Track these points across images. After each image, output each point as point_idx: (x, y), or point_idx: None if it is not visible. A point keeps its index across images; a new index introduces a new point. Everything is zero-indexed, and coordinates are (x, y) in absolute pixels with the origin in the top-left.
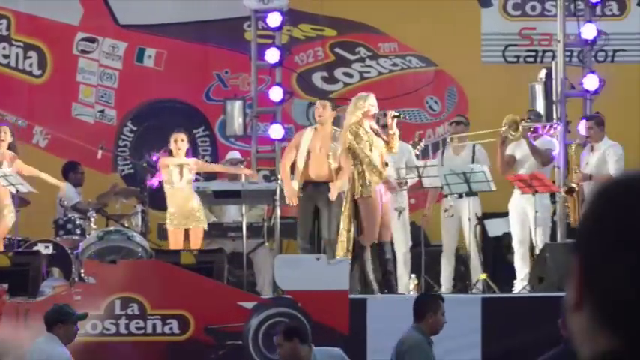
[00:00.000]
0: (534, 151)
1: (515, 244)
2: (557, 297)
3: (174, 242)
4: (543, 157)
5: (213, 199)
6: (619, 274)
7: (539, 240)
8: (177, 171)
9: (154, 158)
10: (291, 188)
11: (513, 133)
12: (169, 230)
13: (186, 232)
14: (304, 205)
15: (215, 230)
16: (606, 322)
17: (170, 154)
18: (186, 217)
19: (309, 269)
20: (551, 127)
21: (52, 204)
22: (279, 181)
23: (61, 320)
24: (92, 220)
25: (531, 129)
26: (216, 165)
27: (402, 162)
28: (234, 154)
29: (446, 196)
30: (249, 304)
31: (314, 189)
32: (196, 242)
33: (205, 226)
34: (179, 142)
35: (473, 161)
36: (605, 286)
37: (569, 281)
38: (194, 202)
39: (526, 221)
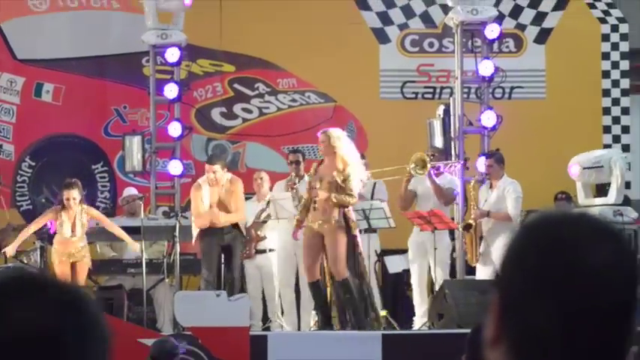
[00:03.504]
0: (438, 190)
1: (414, 280)
2: (458, 334)
3: (61, 275)
4: (447, 197)
5: (114, 235)
6: (537, 312)
7: (439, 276)
8: (70, 225)
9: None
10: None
11: (420, 172)
12: (55, 263)
13: (72, 265)
14: (208, 241)
15: (115, 266)
16: (523, 357)
17: (62, 206)
18: (70, 253)
19: (210, 306)
20: (452, 165)
21: None
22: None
23: (163, 357)
24: None
25: (434, 166)
26: (110, 224)
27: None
28: (131, 190)
29: None
30: (149, 341)
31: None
32: (82, 277)
33: (90, 263)
34: (71, 200)
35: (372, 196)
36: (523, 323)
37: (487, 316)
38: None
39: (425, 258)
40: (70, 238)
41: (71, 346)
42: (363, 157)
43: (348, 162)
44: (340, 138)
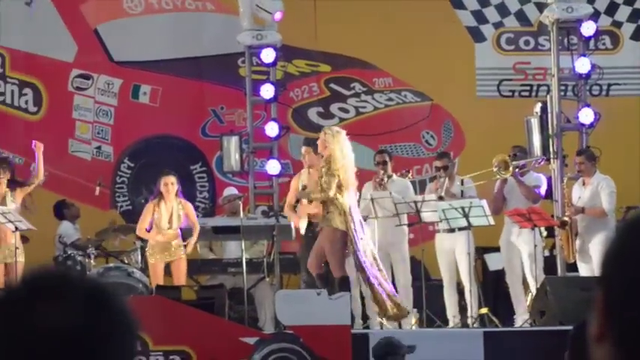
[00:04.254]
0: (525, 190)
1: (509, 278)
2: (559, 331)
3: (154, 275)
4: (534, 196)
5: (213, 235)
6: None
7: (532, 273)
8: (167, 218)
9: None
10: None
11: (504, 173)
12: (150, 263)
13: (169, 264)
14: (307, 241)
15: (216, 266)
16: (629, 354)
17: (160, 197)
18: (166, 249)
19: (311, 304)
20: (536, 162)
21: (51, 241)
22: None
23: (390, 353)
24: (91, 256)
25: (519, 166)
26: (195, 227)
27: (402, 197)
28: (232, 190)
29: (438, 231)
30: (251, 340)
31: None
32: (181, 276)
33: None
34: (169, 185)
35: (462, 195)
36: (627, 319)
37: (592, 313)
38: (177, 240)
39: (517, 256)
40: (167, 230)
41: (97, 342)
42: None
43: (336, 159)
44: (335, 136)
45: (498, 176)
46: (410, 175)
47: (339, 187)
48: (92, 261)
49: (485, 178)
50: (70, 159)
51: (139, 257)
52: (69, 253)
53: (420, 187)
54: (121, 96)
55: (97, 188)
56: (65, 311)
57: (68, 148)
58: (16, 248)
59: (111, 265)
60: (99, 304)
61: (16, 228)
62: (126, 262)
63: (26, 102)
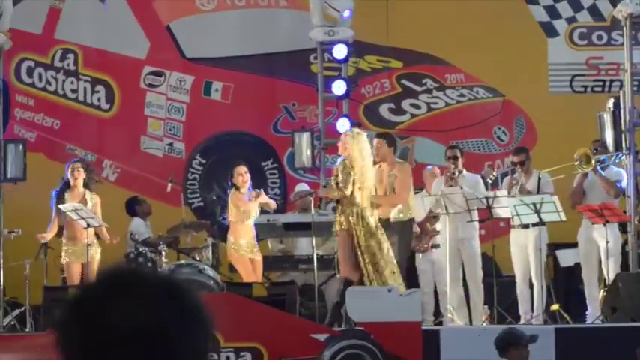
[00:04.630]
0: (606, 184)
1: (585, 274)
2: (631, 327)
3: (244, 270)
4: (616, 190)
5: (283, 232)
6: None
7: (611, 270)
8: (247, 211)
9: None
10: None
11: (585, 167)
12: (234, 258)
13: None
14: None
15: (287, 262)
16: None
17: (236, 188)
18: (249, 246)
19: (381, 301)
20: (617, 156)
21: (123, 238)
22: None
23: (512, 344)
24: (163, 253)
25: (600, 160)
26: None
27: (473, 192)
28: (303, 187)
29: (513, 227)
30: (321, 337)
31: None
32: (260, 272)
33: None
34: (243, 174)
35: (538, 191)
36: None
37: None
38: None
39: (596, 251)
40: (247, 222)
41: (172, 339)
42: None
43: (354, 160)
44: (356, 138)
45: (579, 170)
46: (493, 173)
47: (356, 186)
48: (163, 258)
49: (563, 172)
50: (142, 156)
51: (211, 254)
52: (140, 250)
53: (493, 184)
54: (193, 93)
55: (169, 185)
56: (139, 308)
57: (140, 145)
58: (88, 245)
59: (182, 262)
60: (173, 300)
61: (88, 225)
62: (197, 258)
63: (99, 99)
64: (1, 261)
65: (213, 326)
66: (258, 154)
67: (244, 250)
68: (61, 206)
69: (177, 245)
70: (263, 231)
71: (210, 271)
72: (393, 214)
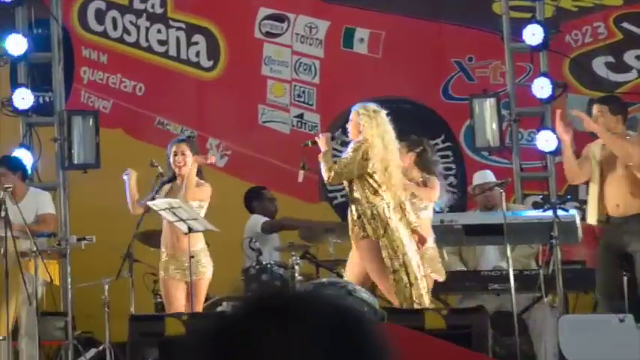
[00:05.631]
0: None
1: None
2: None
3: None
4: None
5: (465, 237)
6: None
7: None
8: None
9: None
10: None
11: None
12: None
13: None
14: (604, 246)
15: (470, 281)
16: None
17: None
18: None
19: (607, 334)
20: None
21: (236, 245)
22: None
23: None
24: (296, 267)
25: None
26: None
27: None
28: (487, 175)
29: None
30: None
31: (618, 224)
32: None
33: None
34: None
35: None
36: None
37: None
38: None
39: None
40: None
41: None
42: None
43: (374, 147)
44: (373, 117)
45: None
46: None
47: (374, 187)
48: (297, 274)
49: None
50: (260, 132)
51: None
52: (264, 263)
53: None
54: (329, 44)
55: (301, 173)
56: (302, 340)
57: (258, 118)
58: (191, 257)
59: (323, 280)
60: (343, 331)
61: (190, 229)
62: (344, 276)
63: (197, 54)
64: (69, 280)
65: None
66: (422, 128)
67: None
68: (150, 203)
69: (314, 256)
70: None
71: (364, 293)
72: None
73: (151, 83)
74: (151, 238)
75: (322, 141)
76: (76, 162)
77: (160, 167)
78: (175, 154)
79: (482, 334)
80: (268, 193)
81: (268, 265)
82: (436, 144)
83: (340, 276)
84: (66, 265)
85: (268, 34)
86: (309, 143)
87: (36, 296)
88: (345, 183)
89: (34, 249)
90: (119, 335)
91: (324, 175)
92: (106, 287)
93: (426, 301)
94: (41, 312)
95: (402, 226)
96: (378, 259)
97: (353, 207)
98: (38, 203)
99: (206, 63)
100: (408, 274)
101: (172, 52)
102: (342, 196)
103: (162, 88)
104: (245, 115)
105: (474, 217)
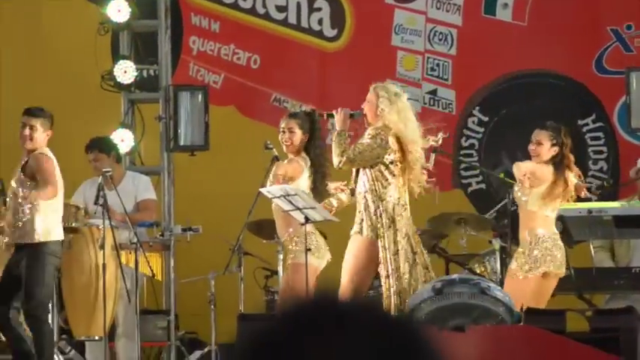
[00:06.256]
0: None
1: None
2: None
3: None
4: None
5: (615, 230)
6: None
7: None
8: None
9: None
10: None
11: None
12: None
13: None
14: None
15: (620, 278)
16: None
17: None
18: None
19: None
20: None
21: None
22: None
23: None
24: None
25: None
26: None
27: None
28: None
29: None
30: None
31: None
32: None
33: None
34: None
35: None
36: None
37: None
38: None
39: None
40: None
41: None
42: None
43: (399, 131)
44: (392, 99)
45: None
46: None
47: (388, 179)
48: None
49: None
50: None
51: (498, 264)
52: None
53: None
54: (468, 10)
55: (432, 156)
56: (337, 352)
57: None
58: (308, 250)
59: (454, 276)
60: (389, 342)
61: (307, 219)
62: (478, 272)
63: (319, 21)
64: (172, 275)
65: None
66: (572, 106)
67: None
68: (263, 190)
69: (444, 250)
70: (577, 227)
71: (499, 292)
72: None
73: (267, 55)
74: (264, 228)
75: (339, 118)
76: (182, 143)
77: (274, 150)
78: (283, 131)
79: (632, 339)
80: None
81: None
82: (586, 124)
83: (473, 272)
84: (169, 258)
85: None
86: (325, 115)
87: (136, 292)
88: (353, 170)
89: (135, 240)
90: (226, 336)
91: (335, 158)
92: (213, 283)
93: None
94: (141, 310)
95: (410, 225)
96: (363, 259)
97: (358, 199)
98: (137, 188)
99: (329, 32)
100: (399, 280)
101: (292, 19)
102: (477, 183)
103: (279, 60)
104: None
105: (627, 207)
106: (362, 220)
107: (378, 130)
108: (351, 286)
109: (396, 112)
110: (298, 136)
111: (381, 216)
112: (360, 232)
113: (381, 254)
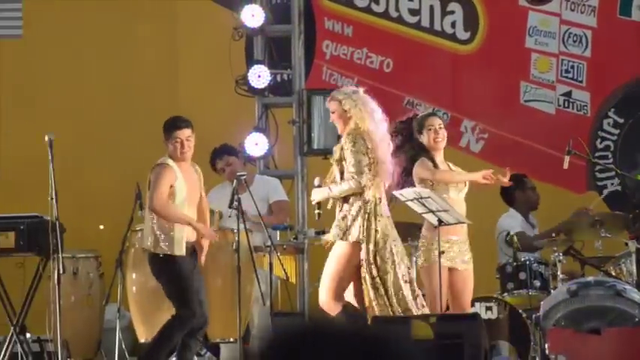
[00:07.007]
0: None
1: None
2: None
3: None
4: None
5: None
6: None
7: None
8: None
9: None
10: None
11: None
12: None
13: None
14: None
15: None
16: None
17: None
18: None
19: None
20: None
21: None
22: None
23: None
24: (558, 265)
25: None
26: None
27: None
28: None
29: None
30: None
31: None
32: None
33: None
34: None
35: None
36: None
37: None
38: None
39: None
40: None
41: None
42: None
43: (369, 133)
44: (357, 101)
45: None
46: None
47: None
48: (559, 272)
49: None
50: (522, 112)
51: (634, 266)
52: (522, 260)
53: None
54: (603, 11)
55: (567, 158)
56: None
57: (520, 97)
58: (441, 252)
59: (589, 278)
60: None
61: (440, 221)
62: (614, 274)
63: (453, 24)
64: (306, 278)
65: None
66: None
67: None
68: (396, 193)
69: (580, 252)
70: None
71: (636, 295)
72: None
73: (400, 58)
74: (397, 231)
75: (318, 195)
76: (315, 147)
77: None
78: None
79: (475, 344)
80: (530, 181)
81: (527, 262)
82: None
83: (609, 274)
84: (303, 261)
85: (534, 0)
86: (317, 214)
87: (270, 295)
88: (337, 175)
89: (269, 243)
90: None
91: (351, 191)
92: None
93: (413, 310)
94: (275, 312)
95: (390, 225)
96: (343, 265)
97: (338, 203)
98: (269, 191)
99: (462, 35)
100: (384, 284)
101: (425, 22)
102: (612, 184)
103: (412, 63)
104: (505, 94)
105: None
106: (345, 227)
107: (351, 137)
108: (332, 288)
109: (362, 106)
110: None
111: (362, 218)
112: (343, 239)
113: (363, 256)
